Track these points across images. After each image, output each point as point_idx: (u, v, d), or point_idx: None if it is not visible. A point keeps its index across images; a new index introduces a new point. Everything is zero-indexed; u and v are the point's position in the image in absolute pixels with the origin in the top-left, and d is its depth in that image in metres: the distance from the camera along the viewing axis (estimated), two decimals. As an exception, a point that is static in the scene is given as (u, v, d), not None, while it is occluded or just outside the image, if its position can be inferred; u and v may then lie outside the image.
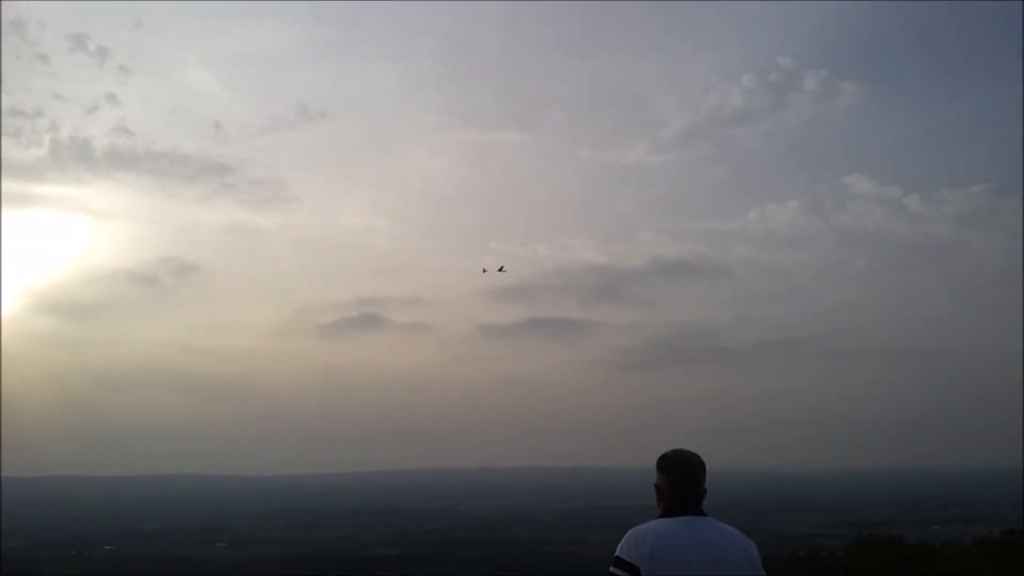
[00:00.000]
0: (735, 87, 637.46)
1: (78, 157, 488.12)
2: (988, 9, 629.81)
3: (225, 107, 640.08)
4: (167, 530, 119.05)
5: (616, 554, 4.19)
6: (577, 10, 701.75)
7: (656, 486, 4.43)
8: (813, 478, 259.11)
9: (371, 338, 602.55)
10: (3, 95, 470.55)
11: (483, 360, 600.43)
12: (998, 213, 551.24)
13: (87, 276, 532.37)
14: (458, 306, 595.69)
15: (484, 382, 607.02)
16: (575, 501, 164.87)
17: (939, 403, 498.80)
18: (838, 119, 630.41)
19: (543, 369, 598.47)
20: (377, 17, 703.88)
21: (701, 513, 4.34)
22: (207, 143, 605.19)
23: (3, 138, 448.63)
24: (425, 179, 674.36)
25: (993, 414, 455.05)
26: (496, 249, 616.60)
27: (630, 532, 4.24)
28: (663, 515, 4.33)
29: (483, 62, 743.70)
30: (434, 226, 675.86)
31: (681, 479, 4.38)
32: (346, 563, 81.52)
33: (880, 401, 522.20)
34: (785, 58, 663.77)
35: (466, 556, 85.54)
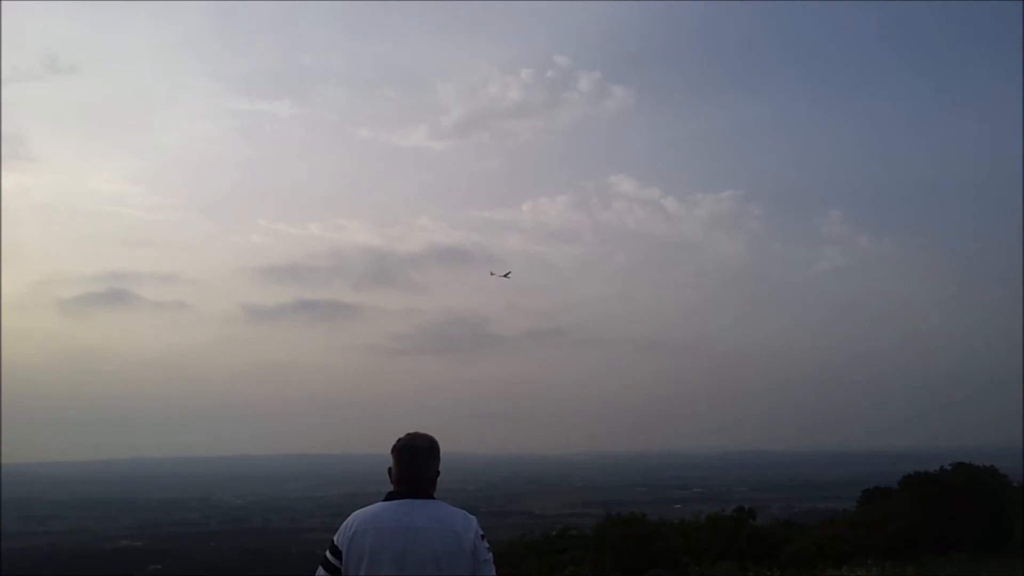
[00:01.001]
0: (514, 80, 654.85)
1: None
2: (747, 28, 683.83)
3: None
4: None
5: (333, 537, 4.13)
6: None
7: (388, 470, 4.27)
8: (571, 461, 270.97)
9: (120, 316, 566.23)
10: None
11: (246, 343, 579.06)
12: (744, 217, 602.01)
13: None
14: (220, 285, 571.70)
15: (246, 366, 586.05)
16: (338, 488, 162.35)
17: (685, 391, 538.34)
18: (607, 120, 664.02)
19: (311, 353, 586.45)
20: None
21: (425, 496, 4.13)
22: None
23: None
24: (188, 146, 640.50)
25: (733, 403, 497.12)
26: (264, 226, 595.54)
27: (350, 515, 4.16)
28: (385, 498, 4.15)
29: (256, 27, 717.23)
30: (196, 197, 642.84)
31: (408, 462, 4.20)
32: (85, 556, 75.34)
33: (634, 389, 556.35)
34: (562, 57, 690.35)
35: (218, 547, 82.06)
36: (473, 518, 4.10)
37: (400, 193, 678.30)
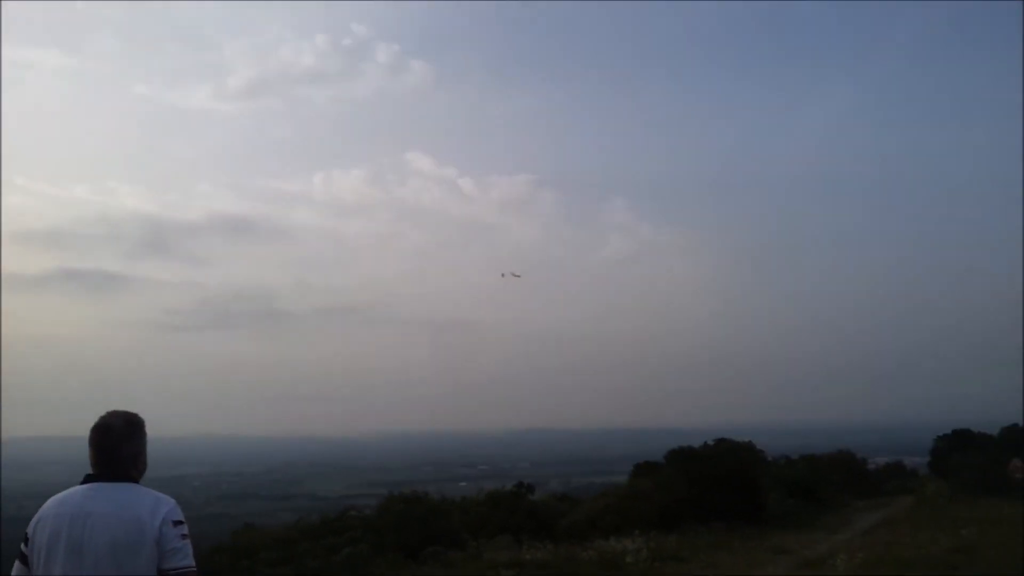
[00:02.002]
0: (308, 45, 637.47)
1: None
2: (547, 17, 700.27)
3: None
4: None
5: None
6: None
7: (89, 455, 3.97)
8: (359, 441, 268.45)
9: None
10: None
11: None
12: (535, 201, 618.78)
13: None
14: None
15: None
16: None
17: (474, 371, 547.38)
18: (405, 96, 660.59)
19: (76, 327, 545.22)
20: None
21: (125, 479, 3.83)
22: None
23: None
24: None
25: (519, 382, 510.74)
26: (22, 185, 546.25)
27: None
28: (82, 481, 3.86)
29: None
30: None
31: (101, 444, 3.88)
32: None
33: (425, 368, 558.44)
34: (360, 26, 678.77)
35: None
36: (168, 503, 3.78)
37: (179, 156, 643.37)
